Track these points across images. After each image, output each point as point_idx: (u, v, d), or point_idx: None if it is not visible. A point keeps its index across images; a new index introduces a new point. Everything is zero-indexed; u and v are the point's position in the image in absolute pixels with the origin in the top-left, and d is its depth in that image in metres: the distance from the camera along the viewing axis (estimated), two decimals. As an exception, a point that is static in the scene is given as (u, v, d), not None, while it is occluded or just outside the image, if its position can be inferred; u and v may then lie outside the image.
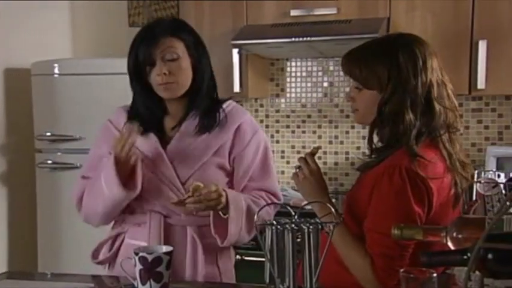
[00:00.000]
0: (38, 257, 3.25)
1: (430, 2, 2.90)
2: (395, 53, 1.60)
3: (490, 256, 1.07)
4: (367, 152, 1.70)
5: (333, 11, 3.02)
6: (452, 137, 1.63)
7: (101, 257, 1.96)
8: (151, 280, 1.54)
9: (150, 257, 1.53)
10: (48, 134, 3.14)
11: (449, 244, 1.24)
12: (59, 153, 3.15)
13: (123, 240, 1.93)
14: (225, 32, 3.15)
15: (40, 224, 3.24)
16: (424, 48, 1.63)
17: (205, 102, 1.90)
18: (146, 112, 1.91)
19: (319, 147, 1.73)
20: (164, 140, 1.90)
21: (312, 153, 1.70)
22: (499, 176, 2.49)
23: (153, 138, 1.89)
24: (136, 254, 1.55)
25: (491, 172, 2.07)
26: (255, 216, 1.37)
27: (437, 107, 1.60)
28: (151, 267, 1.53)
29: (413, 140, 1.57)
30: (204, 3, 3.24)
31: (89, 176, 1.96)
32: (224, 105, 1.94)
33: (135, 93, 1.93)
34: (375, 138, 1.68)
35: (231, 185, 1.93)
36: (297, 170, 1.71)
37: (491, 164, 2.93)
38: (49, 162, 3.16)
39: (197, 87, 1.89)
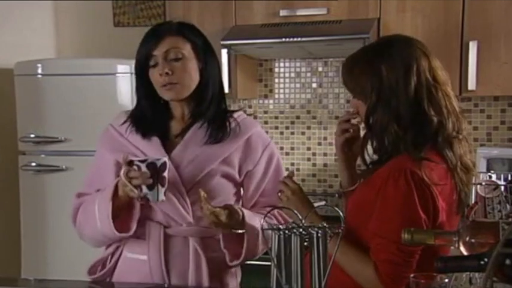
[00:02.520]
0: (21, 262, 3.17)
1: (421, 3, 2.89)
2: (378, 62, 1.56)
3: (508, 262, 1.05)
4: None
5: (323, 11, 3.00)
6: (453, 140, 1.58)
7: (98, 273, 1.85)
8: (159, 185, 1.62)
9: (158, 163, 1.62)
10: (32, 135, 3.08)
11: (462, 249, 1.21)
12: (43, 155, 3.10)
13: (120, 254, 1.84)
14: (214, 32, 3.09)
15: (24, 228, 3.17)
16: (414, 51, 1.56)
17: (212, 111, 1.81)
18: (150, 114, 1.82)
19: (293, 172, 1.77)
20: (168, 146, 1.81)
21: (289, 176, 1.73)
22: (490, 177, 2.48)
23: (156, 142, 1.80)
24: (143, 161, 1.62)
25: (489, 174, 2.05)
26: (263, 221, 1.32)
27: (429, 114, 1.54)
28: (159, 172, 1.62)
29: (411, 147, 1.53)
30: (192, 3, 3.19)
31: (86, 192, 1.86)
32: (235, 115, 1.87)
33: (139, 95, 1.84)
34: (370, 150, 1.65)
35: (238, 195, 1.88)
36: (279, 194, 1.71)
37: (481, 165, 2.92)
38: (33, 164, 3.09)
39: (203, 93, 1.80)
